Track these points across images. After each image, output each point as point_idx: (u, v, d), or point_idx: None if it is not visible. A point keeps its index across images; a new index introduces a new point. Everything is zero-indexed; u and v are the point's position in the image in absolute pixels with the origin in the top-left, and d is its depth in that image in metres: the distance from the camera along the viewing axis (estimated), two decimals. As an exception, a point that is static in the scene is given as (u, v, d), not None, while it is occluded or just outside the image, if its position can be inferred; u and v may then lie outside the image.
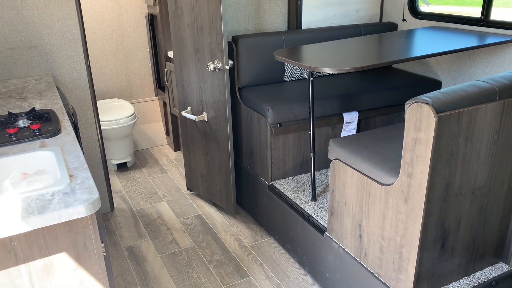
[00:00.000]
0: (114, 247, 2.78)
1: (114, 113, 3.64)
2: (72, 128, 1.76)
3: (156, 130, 4.41)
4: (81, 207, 1.16)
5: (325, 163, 2.88)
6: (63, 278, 1.25)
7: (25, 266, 1.19)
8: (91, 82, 2.80)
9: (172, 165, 3.87)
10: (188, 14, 2.71)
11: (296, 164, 2.78)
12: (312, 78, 2.27)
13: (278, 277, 2.48)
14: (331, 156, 2.08)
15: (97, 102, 3.83)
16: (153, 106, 4.45)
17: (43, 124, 1.74)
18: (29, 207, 1.15)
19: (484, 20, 2.66)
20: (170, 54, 3.63)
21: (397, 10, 3.28)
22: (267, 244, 2.76)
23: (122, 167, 3.82)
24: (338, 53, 2.34)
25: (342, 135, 2.81)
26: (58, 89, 2.46)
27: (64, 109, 2.01)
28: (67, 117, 1.88)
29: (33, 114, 1.85)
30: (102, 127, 3.49)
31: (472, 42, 2.39)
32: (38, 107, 2.02)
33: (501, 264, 2.00)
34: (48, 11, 2.55)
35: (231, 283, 2.44)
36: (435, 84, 3.01)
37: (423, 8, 3.17)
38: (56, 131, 1.69)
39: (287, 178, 2.77)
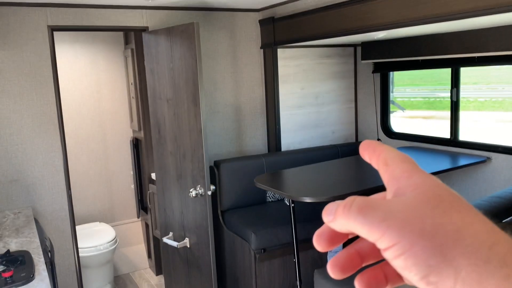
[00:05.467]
0: None
1: (94, 238, 3.55)
2: (46, 273, 1.69)
3: (137, 253, 4.28)
4: None
5: (313, 288, 2.78)
6: None
7: None
8: (72, 213, 2.77)
9: (153, 291, 3.68)
10: (171, 143, 2.79)
11: (283, 291, 2.67)
12: (293, 205, 2.29)
13: None
14: None
15: (78, 227, 3.74)
16: (135, 228, 4.37)
17: (16, 270, 1.67)
18: None
19: (454, 141, 2.80)
20: (154, 176, 3.66)
21: (371, 130, 3.45)
22: None
23: (100, 296, 3.60)
24: (318, 177, 2.40)
25: (328, 258, 2.75)
26: (36, 221, 2.42)
27: (40, 248, 1.95)
28: (42, 259, 1.82)
29: (7, 258, 1.78)
30: (80, 255, 3.37)
31: (445, 163, 2.49)
32: (13, 247, 1.96)
33: None
34: (32, 145, 2.60)
35: None
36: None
37: (398, 113, 3.36)
38: (29, 278, 1.62)
39: (274, 307, 2.64)
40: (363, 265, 0.35)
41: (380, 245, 0.30)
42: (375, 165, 0.35)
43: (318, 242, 0.35)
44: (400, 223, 0.29)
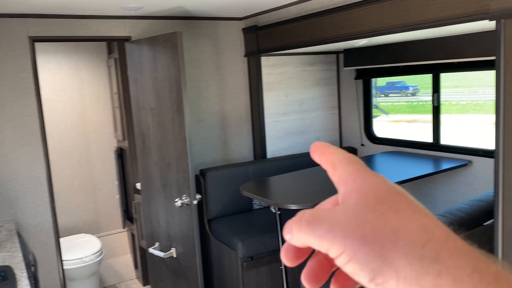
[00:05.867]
0: None
1: (80, 250, 3.50)
2: (29, 288, 1.67)
3: (124, 263, 4.23)
4: None
5: (301, 294, 2.79)
6: None
7: None
8: (56, 225, 2.73)
9: (140, 302, 3.64)
10: (155, 152, 2.78)
11: (271, 298, 2.67)
12: (279, 212, 2.29)
13: None
14: (304, 294, 2.02)
15: (62, 239, 3.69)
16: (121, 238, 4.32)
17: (-2, 286, 1.65)
18: None
19: (436, 145, 2.84)
20: (139, 186, 3.64)
21: (355, 136, 3.48)
22: None
23: (86, 308, 3.55)
24: (303, 184, 2.41)
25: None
26: (19, 235, 2.38)
27: (23, 262, 1.92)
28: (25, 274, 1.79)
29: (-12, 274, 1.75)
30: (65, 267, 3.32)
31: (428, 168, 2.52)
32: (-5, 262, 1.92)
33: None
34: (15, 158, 2.57)
35: None
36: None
37: (382, 117, 3.40)
38: (11, 294, 1.59)
39: (262, 315, 2.64)
40: (332, 270, 0.36)
41: (331, 254, 0.31)
42: (324, 167, 0.36)
43: (287, 258, 0.35)
44: (343, 232, 0.30)
